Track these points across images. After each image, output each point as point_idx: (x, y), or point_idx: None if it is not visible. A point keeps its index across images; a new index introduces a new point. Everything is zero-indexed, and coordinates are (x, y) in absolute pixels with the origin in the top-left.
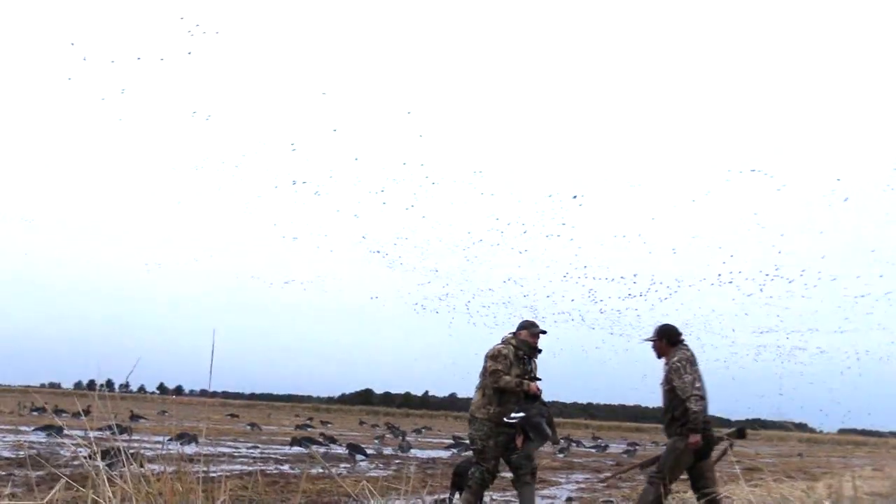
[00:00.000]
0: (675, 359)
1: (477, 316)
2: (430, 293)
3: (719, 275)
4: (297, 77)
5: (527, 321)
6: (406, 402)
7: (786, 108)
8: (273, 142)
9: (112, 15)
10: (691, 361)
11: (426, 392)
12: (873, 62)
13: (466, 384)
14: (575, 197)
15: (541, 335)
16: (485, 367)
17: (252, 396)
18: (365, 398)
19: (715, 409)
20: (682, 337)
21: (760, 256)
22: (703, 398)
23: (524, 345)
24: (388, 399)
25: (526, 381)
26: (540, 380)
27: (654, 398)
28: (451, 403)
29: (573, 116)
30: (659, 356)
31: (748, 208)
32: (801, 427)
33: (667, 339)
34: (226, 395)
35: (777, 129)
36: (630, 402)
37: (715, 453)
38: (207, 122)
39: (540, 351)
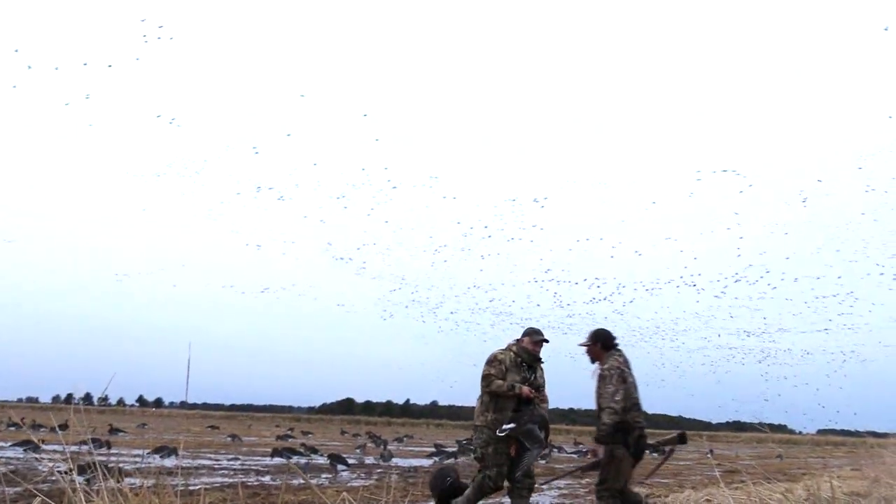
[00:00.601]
0: (606, 366)
1: (445, 323)
2: (399, 300)
3: (681, 276)
4: (259, 79)
5: (530, 328)
6: (387, 410)
7: (753, 109)
8: (235, 146)
9: (72, 19)
10: (621, 370)
11: (407, 400)
12: (839, 64)
13: (447, 392)
14: (536, 200)
15: (543, 343)
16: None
17: (232, 408)
18: (346, 407)
19: (697, 411)
20: (617, 342)
21: (725, 258)
22: (617, 412)
23: (524, 352)
24: (369, 408)
25: (518, 385)
26: (541, 386)
27: (651, 403)
28: (433, 411)
29: (533, 118)
30: (592, 361)
31: (711, 210)
32: (780, 429)
33: (602, 344)
34: (206, 406)
35: (744, 130)
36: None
37: (653, 460)
38: (171, 127)
39: (541, 360)
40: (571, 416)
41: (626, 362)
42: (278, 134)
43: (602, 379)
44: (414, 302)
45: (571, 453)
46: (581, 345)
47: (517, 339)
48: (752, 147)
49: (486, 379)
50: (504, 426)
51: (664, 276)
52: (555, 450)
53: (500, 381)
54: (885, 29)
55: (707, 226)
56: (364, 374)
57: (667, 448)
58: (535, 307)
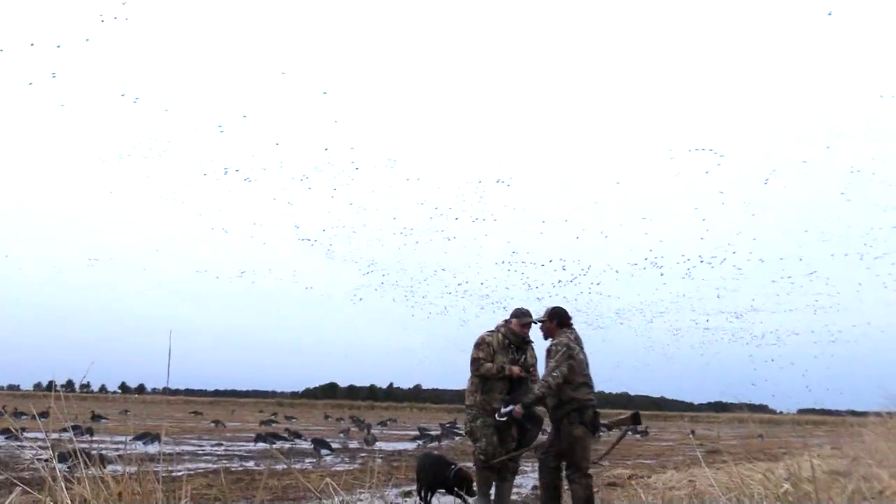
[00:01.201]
0: (555, 341)
1: (419, 307)
2: (369, 283)
3: (645, 258)
4: (221, 58)
5: (517, 310)
6: (371, 394)
7: (728, 86)
8: (200, 126)
9: None
10: (568, 346)
11: (391, 384)
12: (814, 40)
13: (430, 375)
14: (500, 181)
15: (531, 325)
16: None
17: (216, 393)
18: (329, 392)
19: (679, 392)
20: (572, 320)
21: (692, 239)
22: (551, 387)
23: (512, 334)
24: (352, 392)
25: (508, 367)
26: (532, 366)
27: (634, 384)
28: (416, 395)
29: (497, 97)
30: (546, 337)
31: (682, 190)
32: (761, 409)
33: (557, 321)
34: (189, 392)
35: (718, 107)
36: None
37: (610, 438)
38: (135, 107)
39: (530, 341)
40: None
41: (576, 339)
42: (240, 114)
43: (548, 353)
44: (383, 285)
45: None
46: (537, 321)
47: (505, 321)
48: (726, 125)
49: (475, 363)
50: (502, 410)
51: (632, 258)
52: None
53: (489, 365)
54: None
55: (677, 206)
56: (347, 359)
57: (621, 428)
58: (504, 289)
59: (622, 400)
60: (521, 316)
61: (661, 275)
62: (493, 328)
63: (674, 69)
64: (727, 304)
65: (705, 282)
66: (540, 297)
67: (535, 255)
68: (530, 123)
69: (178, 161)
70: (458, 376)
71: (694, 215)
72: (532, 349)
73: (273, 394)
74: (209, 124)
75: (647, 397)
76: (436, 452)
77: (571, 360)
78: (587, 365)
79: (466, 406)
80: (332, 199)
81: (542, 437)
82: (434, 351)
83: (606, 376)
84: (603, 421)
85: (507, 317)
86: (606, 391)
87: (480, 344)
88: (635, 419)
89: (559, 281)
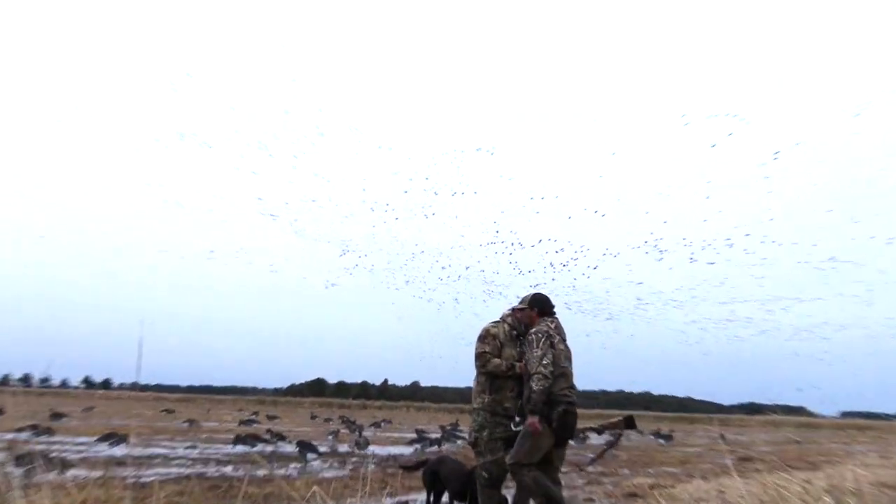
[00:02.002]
0: (533, 330)
1: (398, 293)
2: (345, 266)
3: (646, 242)
4: (169, 10)
5: (526, 297)
6: (363, 392)
7: (743, 46)
8: (146, 85)
9: None
10: (548, 334)
11: (385, 381)
12: (836, 7)
13: (429, 371)
14: (479, 149)
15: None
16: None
17: (190, 389)
18: (317, 389)
19: (708, 392)
20: (554, 308)
21: (700, 220)
22: (547, 377)
23: (519, 323)
24: (342, 389)
25: (517, 364)
26: None
27: (642, 382)
28: (413, 393)
29: (474, 51)
30: (526, 327)
31: (687, 162)
32: (798, 411)
33: (539, 310)
34: (160, 388)
35: (734, 70)
36: (613, 388)
37: (597, 444)
38: (73, 63)
39: None
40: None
41: (557, 328)
42: (188, 73)
43: (528, 343)
44: (358, 268)
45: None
46: (515, 308)
47: (511, 309)
48: (747, 90)
49: (481, 358)
50: (517, 420)
51: (633, 240)
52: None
53: (496, 360)
54: None
55: (688, 181)
56: (337, 352)
57: (613, 433)
58: (493, 273)
59: (643, 400)
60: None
61: (661, 259)
62: (498, 318)
63: (688, 22)
64: (760, 293)
65: (730, 266)
66: (535, 284)
67: (523, 235)
68: (516, 84)
69: (123, 124)
70: (460, 373)
71: (707, 191)
72: None
73: (254, 390)
74: (157, 85)
75: (671, 398)
76: (453, 457)
77: (552, 348)
78: (568, 357)
79: (473, 409)
80: (294, 169)
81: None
82: (434, 344)
83: (625, 374)
84: (591, 424)
85: (515, 304)
86: (627, 390)
87: (485, 337)
88: (629, 423)
89: (550, 264)
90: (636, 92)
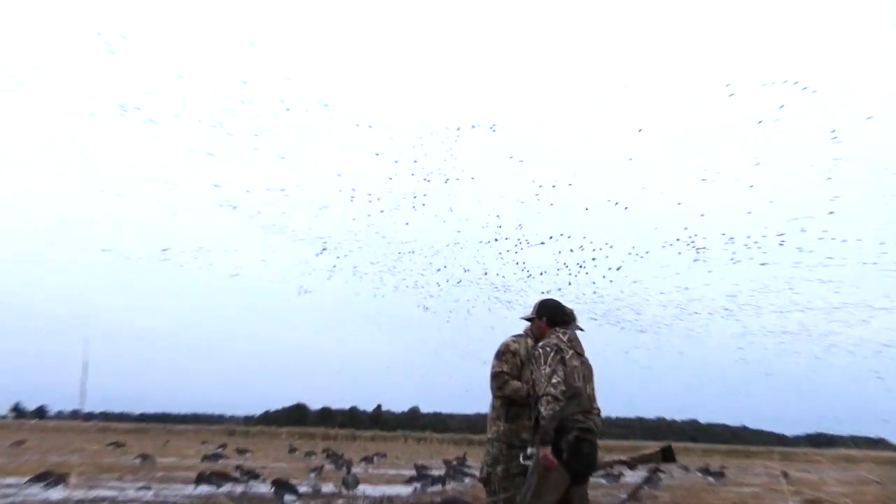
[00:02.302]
0: (541, 343)
1: (385, 300)
2: (318, 267)
3: (678, 239)
4: None
5: (570, 311)
6: (351, 420)
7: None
8: (81, 50)
9: None
10: (558, 348)
11: (378, 406)
12: None
13: (431, 394)
14: (476, 126)
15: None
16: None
17: (143, 418)
18: (296, 417)
19: (767, 420)
20: (568, 316)
21: (744, 211)
22: (558, 399)
23: (535, 337)
24: (327, 417)
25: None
26: None
27: (687, 409)
28: (412, 420)
29: (472, 8)
30: (537, 340)
31: (728, 144)
32: (878, 444)
33: (548, 319)
34: (107, 417)
35: (789, 32)
36: (652, 415)
37: (631, 479)
38: None
39: None
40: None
41: (570, 341)
42: (125, 34)
43: (535, 360)
44: (335, 268)
45: (599, 477)
46: (524, 318)
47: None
48: (807, 54)
49: (498, 378)
50: (528, 451)
51: (666, 235)
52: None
53: (516, 383)
54: None
55: (729, 165)
56: (320, 373)
57: (649, 468)
58: (497, 276)
59: (689, 429)
60: (571, 317)
61: (697, 260)
62: (519, 332)
63: None
64: (831, 300)
65: (789, 268)
66: (548, 290)
67: (531, 230)
68: (520, 48)
69: (50, 97)
70: (472, 396)
71: (754, 177)
72: None
73: (221, 419)
74: (90, 48)
75: (722, 427)
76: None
77: (563, 365)
78: (586, 376)
79: (487, 439)
80: (255, 150)
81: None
82: (438, 362)
83: (666, 398)
84: (622, 457)
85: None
86: (668, 418)
87: (503, 354)
88: (667, 455)
89: (564, 265)
90: (669, 55)
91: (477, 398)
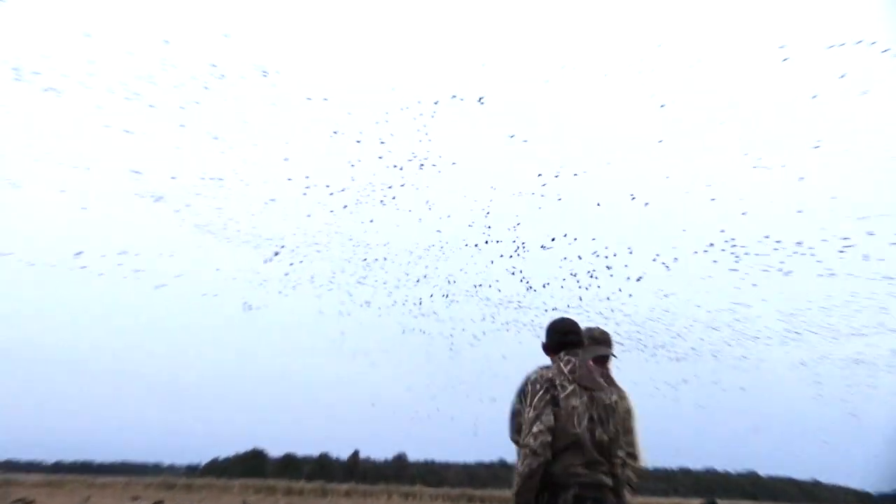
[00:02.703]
0: (530, 377)
1: (354, 319)
2: (269, 276)
3: (711, 244)
4: None
5: (588, 332)
6: (321, 470)
7: None
8: None
9: None
10: (550, 384)
11: (356, 453)
12: None
13: (421, 438)
14: (456, 97)
15: (609, 358)
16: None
17: (58, 468)
18: (252, 465)
19: (843, 474)
20: (573, 339)
21: (793, 210)
22: (536, 453)
23: None
24: (291, 466)
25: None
26: (615, 433)
27: (744, 458)
28: (399, 471)
29: None
30: None
31: (776, 123)
32: None
33: (547, 343)
34: (10, 466)
35: None
36: (699, 466)
37: None
38: None
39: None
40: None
41: (575, 370)
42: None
43: (521, 399)
44: (290, 279)
45: None
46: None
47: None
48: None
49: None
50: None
51: (692, 241)
52: None
53: None
54: None
55: (779, 150)
56: (281, 411)
57: None
58: (494, 291)
59: (746, 483)
60: (595, 343)
61: (736, 270)
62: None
63: None
64: None
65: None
66: (558, 308)
67: (529, 231)
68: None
69: None
70: (477, 442)
71: (806, 166)
72: (620, 396)
73: (156, 468)
74: None
75: (789, 481)
76: None
77: (555, 405)
78: (595, 416)
79: (512, 493)
80: (182, 127)
81: None
82: (432, 398)
83: (716, 445)
84: None
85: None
86: (720, 469)
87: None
88: None
89: (571, 274)
90: (702, 10)
91: (483, 443)
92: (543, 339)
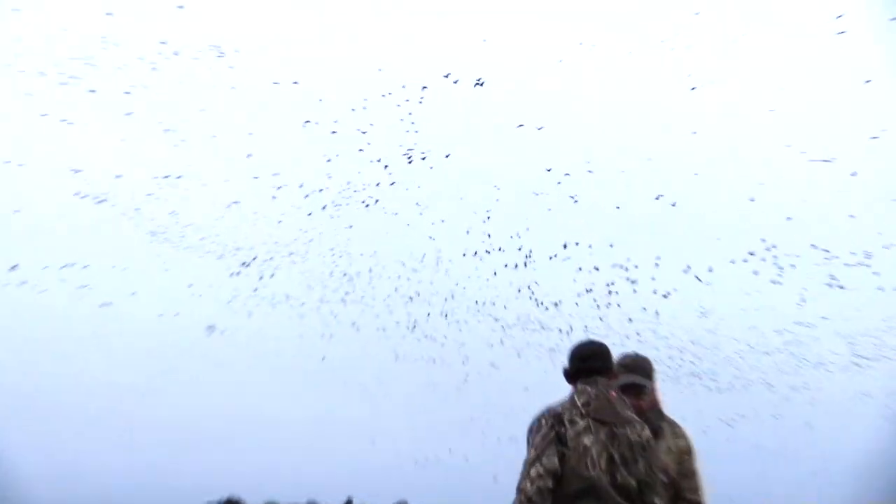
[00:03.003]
0: (539, 413)
1: (341, 344)
2: (236, 292)
3: (751, 253)
4: None
5: (620, 358)
6: None
7: None
8: None
9: None
10: (557, 418)
11: (349, 501)
12: None
13: (429, 482)
14: (449, 76)
15: (643, 390)
16: None
17: None
18: None
19: None
20: (595, 365)
21: (845, 215)
22: (531, 500)
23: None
24: None
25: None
26: (651, 482)
27: None
28: None
29: None
30: None
31: (826, 107)
32: None
33: (569, 369)
34: None
35: None
36: None
37: None
38: None
39: (660, 428)
40: None
41: (590, 402)
42: None
43: (528, 439)
44: (259, 294)
45: None
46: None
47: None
48: None
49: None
50: None
51: (727, 248)
52: None
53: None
54: None
55: (832, 140)
56: (260, 451)
57: None
58: (501, 309)
59: None
60: (623, 371)
61: (780, 283)
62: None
63: None
64: None
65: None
66: (574, 330)
67: (534, 238)
68: None
69: None
70: (493, 488)
71: (862, 159)
72: (674, 433)
73: None
74: None
75: None
76: None
77: (561, 445)
78: (619, 456)
79: None
80: (128, 116)
81: None
82: (438, 437)
83: (783, 490)
84: None
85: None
86: None
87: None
88: None
89: (586, 290)
90: None
91: (509, 491)
92: (566, 365)
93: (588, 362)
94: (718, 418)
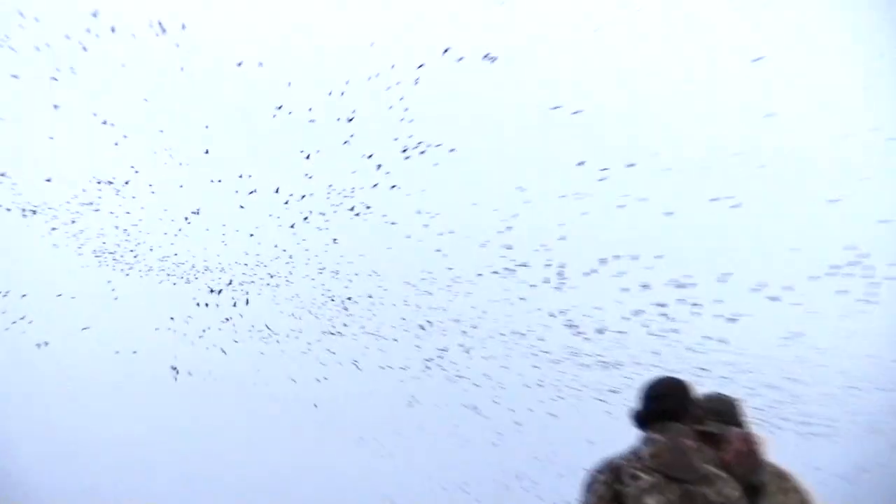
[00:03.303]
0: (591, 468)
1: (342, 388)
2: (204, 324)
3: (836, 266)
4: None
5: (717, 399)
6: None
7: None
8: None
9: None
10: (615, 479)
11: None
12: None
13: None
14: (449, 51)
15: (754, 451)
16: None
17: None
18: None
19: None
20: (667, 406)
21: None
22: None
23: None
24: None
25: None
26: None
27: None
28: None
29: None
30: None
31: None
32: None
33: (637, 413)
34: None
35: None
36: None
37: None
38: None
39: (761, 483)
40: None
41: (653, 456)
42: None
43: (582, 496)
44: (231, 327)
45: None
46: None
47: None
48: None
49: None
50: None
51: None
52: None
53: None
54: None
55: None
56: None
57: None
58: (535, 339)
59: None
60: (727, 412)
61: (867, 299)
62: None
63: None
64: None
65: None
66: (622, 365)
67: (568, 249)
68: None
69: None
70: None
71: None
72: (782, 488)
73: None
74: None
75: None
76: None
77: None
78: None
79: None
80: (57, 109)
81: None
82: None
83: None
84: None
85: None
86: None
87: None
88: None
89: (633, 314)
90: None
91: None
92: (636, 406)
93: (659, 403)
94: (834, 474)
